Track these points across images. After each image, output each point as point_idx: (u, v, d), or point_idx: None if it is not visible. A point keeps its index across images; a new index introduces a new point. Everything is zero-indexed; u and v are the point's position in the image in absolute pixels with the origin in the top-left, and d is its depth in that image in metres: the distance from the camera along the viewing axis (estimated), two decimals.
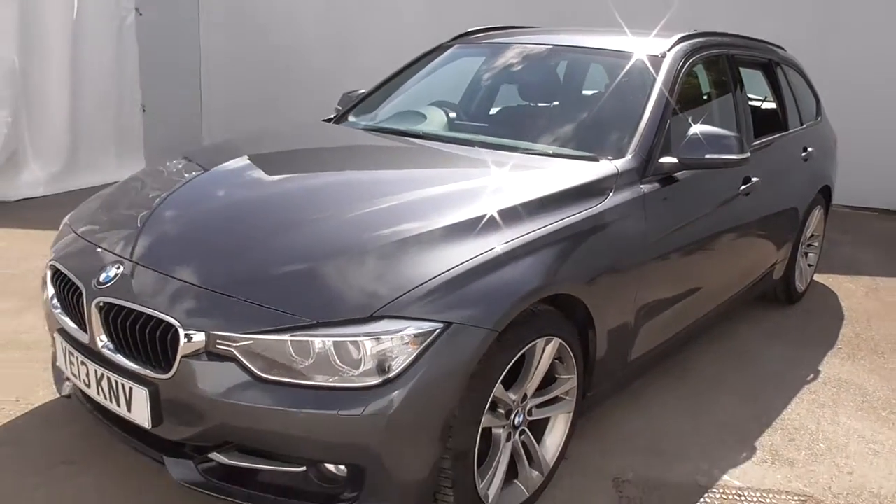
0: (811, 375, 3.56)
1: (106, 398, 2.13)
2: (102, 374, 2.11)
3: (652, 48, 3.24)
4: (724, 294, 3.46)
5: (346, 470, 1.94)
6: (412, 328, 1.88)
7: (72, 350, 2.23)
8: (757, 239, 3.70)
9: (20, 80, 5.96)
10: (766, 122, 3.99)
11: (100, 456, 2.54)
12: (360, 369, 1.86)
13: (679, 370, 3.48)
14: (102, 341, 2.11)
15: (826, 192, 4.60)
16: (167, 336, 1.96)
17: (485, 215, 2.22)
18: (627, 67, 3.16)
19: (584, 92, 3.41)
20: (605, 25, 4.17)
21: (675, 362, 3.51)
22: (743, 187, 3.35)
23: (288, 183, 2.74)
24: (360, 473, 1.91)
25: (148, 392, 2.00)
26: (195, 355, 1.93)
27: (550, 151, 2.87)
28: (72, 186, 6.44)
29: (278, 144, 3.34)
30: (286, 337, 1.87)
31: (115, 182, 6.37)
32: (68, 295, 2.26)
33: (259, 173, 2.79)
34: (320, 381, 1.87)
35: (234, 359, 1.90)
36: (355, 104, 3.71)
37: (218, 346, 1.92)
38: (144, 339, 2.00)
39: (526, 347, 2.16)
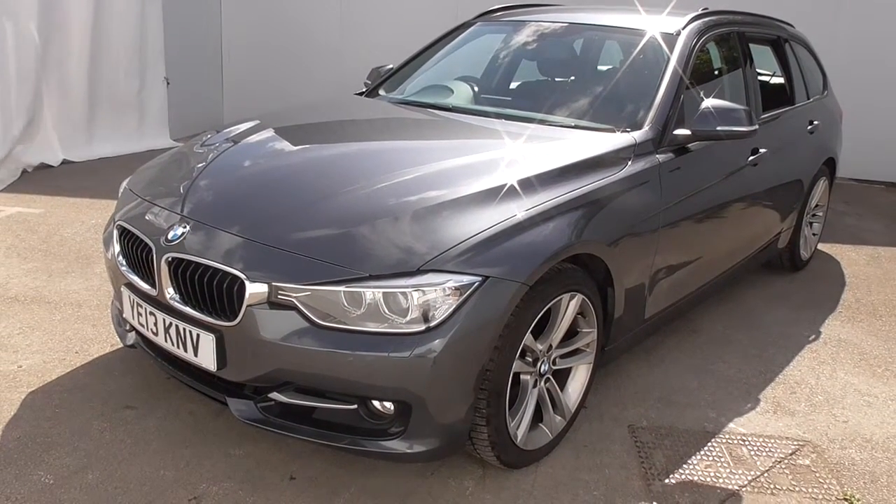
0: (812, 336, 3.78)
1: (174, 345, 2.36)
2: (171, 323, 2.34)
3: (667, 26, 3.42)
4: (732, 259, 3.67)
5: (393, 407, 2.17)
6: (453, 281, 2.10)
7: (140, 302, 2.46)
8: (763, 208, 3.89)
9: (40, 50, 6.07)
10: (775, 97, 4.17)
11: (159, 402, 2.78)
12: (407, 317, 2.08)
13: (688, 329, 3.71)
14: (170, 293, 2.34)
15: (831, 164, 4.78)
16: (233, 287, 2.18)
17: (515, 181, 2.43)
18: (644, 44, 3.35)
19: (603, 68, 3.59)
20: (619, 4, 4.33)
21: (685, 322, 3.74)
22: (751, 158, 3.55)
23: (332, 151, 2.95)
24: (407, 410, 2.14)
25: (214, 338, 2.23)
26: (259, 304, 2.15)
27: (572, 123, 3.07)
28: (93, 155, 6.64)
29: (318, 117, 3.55)
30: (341, 288, 2.10)
31: (136, 152, 6.52)
32: (136, 252, 2.48)
33: (304, 142, 3.01)
34: (373, 327, 2.09)
35: (294, 307, 2.13)
36: (385, 79, 3.90)
37: (279, 296, 2.14)
38: (212, 290, 2.23)
39: (552, 301, 2.39)
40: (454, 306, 2.09)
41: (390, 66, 4.10)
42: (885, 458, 2.73)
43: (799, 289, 4.45)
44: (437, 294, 2.08)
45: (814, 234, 4.89)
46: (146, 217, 2.53)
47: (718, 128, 2.98)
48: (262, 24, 8.30)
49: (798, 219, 4.43)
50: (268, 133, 3.04)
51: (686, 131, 3.02)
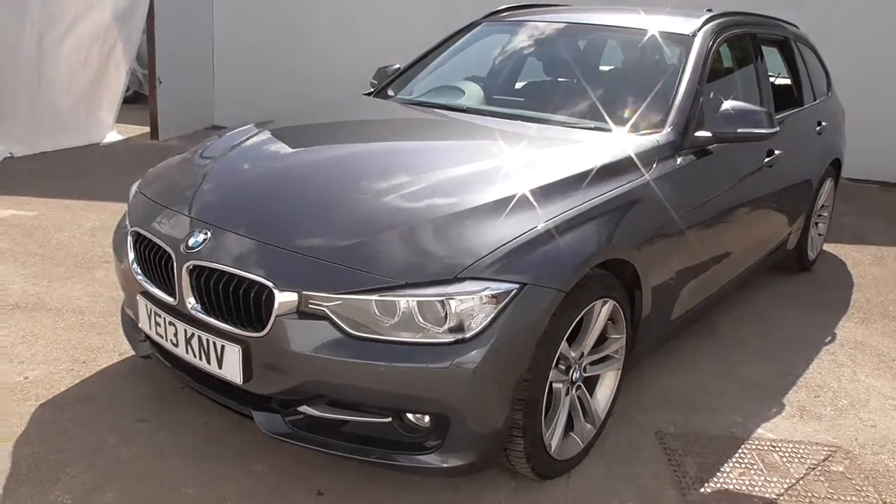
0: (828, 338, 3.76)
1: (195, 356, 2.27)
2: (192, 334, 2.25)
3: (682, 27, 3.38)
4: (749, 260, 3.64)
5: (429, 420, 2.09)
6: (491, 288, 2.03)
7: (158, 311, 2.36)
8: (777, 209, 3.87)
9: None
10: (785, 98, 4.15)
11: (173, 414, 2.69)
12: (445, 326, 2.00)
13: (705, 332, 3.67)
14: (191, 303, 2.24)
15: (836, 165, 4.78)
16: (261, 297, 2.09)
17: (546, 185, 2.36)
18: (662, 46, 3.31)
19: (621, 69, 3.53)
20: (619, 3, 4.29)
21: (701, 325, 3.69)
22: (767, 160, 3.51)
23: (351, 154, 2.86)
24: (445, 423, 2.06)
25: (240, 349, 2.14)
26: (288, 314, 2.06)
27: (592, 125, 3.00)
28: (37, 149, 6.41)
29: (332, 118, 3.46)
30: (375, 297, 2.02)
31: (87, 145, 6.14)
32: (153, 259, 2.39)
33: (322, 145, 2.93)
34: (407, 337, 2.01)
35: (326, 317, 2.04)
36: (393, 79, 3.82)
37: (310, 306, 2.06)
38: (237, 300, 2.14)
39: (587, 308, 2.32)
40: (493, 315, 2.02)
41: (397, 65, 4.02)
42: None
43: (808, 290, 4.43)
44: (475, 302, 2.01)
45: (819, 235, 4.89)
46: (163, 223, 2.44)
47: (739, 130, 2.95)
48: (254, 23, 8.19)
49: (807, 219, 4.42)
50: (283, 136, 2.96)
51: (707, 133, 2.97)
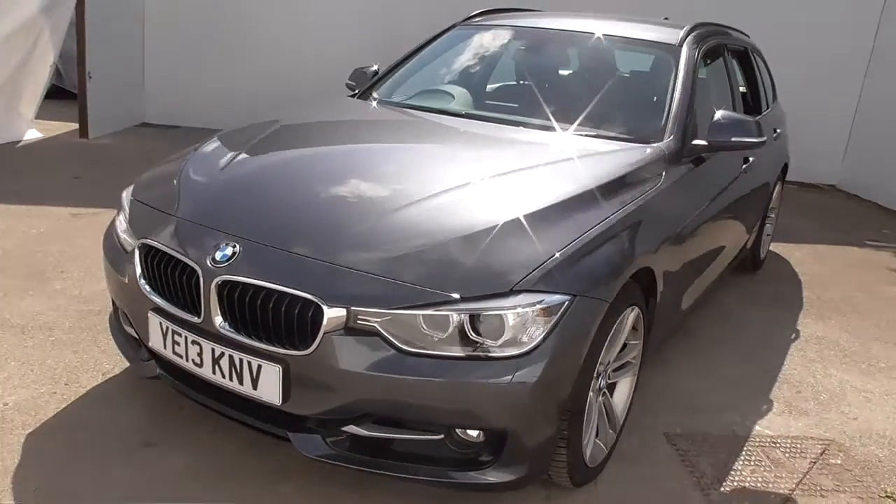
0: (793, 335, 3.97)
1: (225, 377, 2.14)
2: (222, 353, 2.12)
3: (668, 37, 3.47)
4: (726, 259, 3.79)
5: (483, 435, 2.06)
6: (546, 301, 2.02)
7: (177, 330, 2.21)
8: (747, 210, 4.05)
9: None
10: (748, 105, 4.34)
11: (179, 436, 2.53)
12: (501, 340, 1.98)
13: (680, 334, 3.79)
14: (219, 321, 2.12)
15: (784, 168, 5.05)
16: (306, 313, 2.00)
17: (579, 195, 2.39)
18: (654, 55, 3.40)
19: (622, 80, 3.56)
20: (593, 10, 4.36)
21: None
22: (744, 166, 3.67)
23: (371, 161, 2.76)
24: (502, 437, 2.03)
25: (281, 369, 2.03)
26: (335, 331, 1.98)
27: (610, 134, 3.03)
28: None
29: (336, 121, 3.35)
30: (429, 311, 1.97)
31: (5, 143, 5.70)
32: (169, 274, 2.23)
33: (338, 151, 2.84)
34: (460, 352, 1.97)
35: (377, 333, 1.98)
36: (378, 79, 3.75)
37: (359, 322, 1.98)
38: (277, 316, 2.03)
39: (620, 316, 2.35)
40: (548, 327, 2.01)
41: (375, 67, 3.93)
42: None
43: (764, 289, 4.66)
44: (531, 315, 1.99)
45: (768, 235, 5.14)
46: (181, 235, 2.28)
47: (734, 138, 3.05)
48: (188, 11, 7.76)
49: (761, 221, 4.64)
50: (294, 141, 2.84)
51: (703, 142, 3.07)
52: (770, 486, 2.59)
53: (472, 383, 1.96)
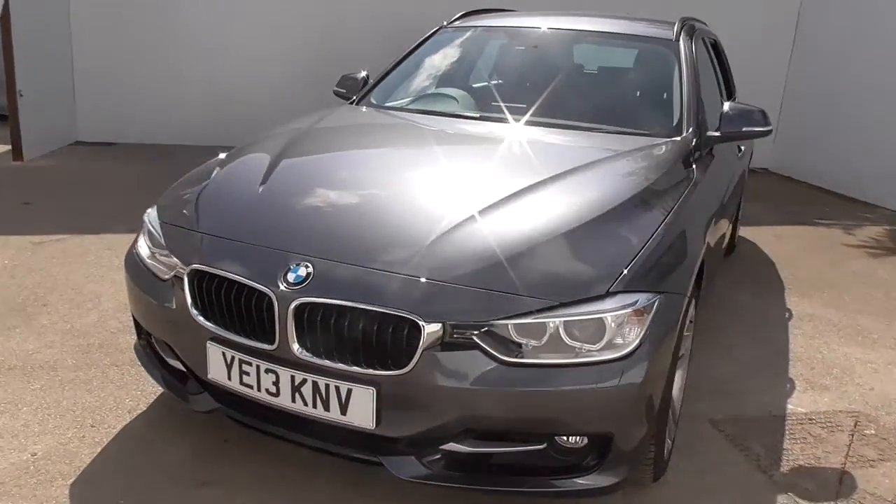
0: (787, 314, 4.13)
1: (308, 404, 2.02)
2: (304, 380, 2.01)
3: (663, 32, 3.54)
4: (724, 244, 3.90)
5: (586, 440, 2.03)
6: (642, 301, 2.00)
7: (245, 359, 2.08)
8: (735, 196, 4.18)
9: None
10: (726, 95, 4.48)
11: (236, 471, 2.38)
12: (600, 343, 1.95)
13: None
14: (296, 347, 2.00)
15: (750, 155, 5.25)
16: (401, 331, 1.91)
17: (639, 193, 2.39)
18: (658, 51, 3.45)
19: (633, 75, 3.60)
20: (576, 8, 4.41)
21: None
22: (738, 153, 3.79)
23: (422, 171, 2.67)
24: (607, 441, 2.01)
25: (374, 391, 1.94)
26: (433, 347, 1.91)
27: (634, 131, 3.06)
28: None
29: (364, 132, 3.24)
30: (529, 320, 1.92)
31: None
32: (233, 301, 2.08)
33: (383, 162, 2.73)
34: (561, 358, 1.94)
35: (475, 346, 1.91)
36: (373, 84, 3.65)
37: (455, 336, 1.91)
38: (367, 337, 1.93)
39: (689, 309, 2.37)
40: (646, 325, 2.00)
41: (363, 73, 3.82)
42: None
43: (744, 271, 4.83)
44: (629, 315, 1.98)
45: (737, 220, 5.34)
46: (239, 259, 2.13)
47: (744, 128, 3.14)
48: (118, 20, 7.33)
49: (739, 204, 4.82)
50: (328, 152, 2.71)
51: (716, 133, 3.14)
52: (822, 461, 2.67)
53: (579, 389, 1.93)
